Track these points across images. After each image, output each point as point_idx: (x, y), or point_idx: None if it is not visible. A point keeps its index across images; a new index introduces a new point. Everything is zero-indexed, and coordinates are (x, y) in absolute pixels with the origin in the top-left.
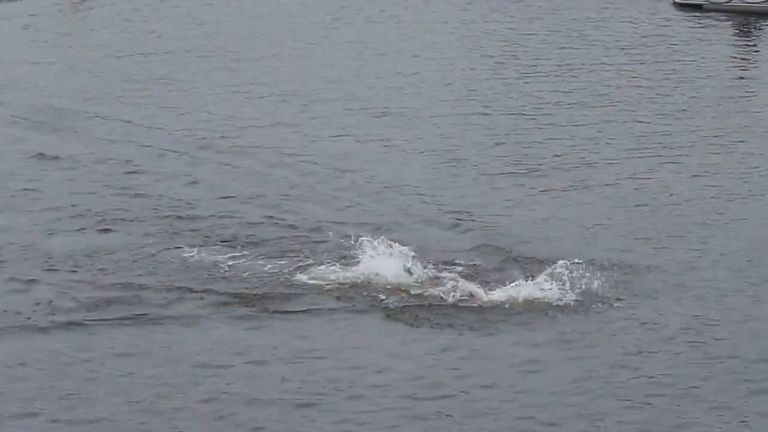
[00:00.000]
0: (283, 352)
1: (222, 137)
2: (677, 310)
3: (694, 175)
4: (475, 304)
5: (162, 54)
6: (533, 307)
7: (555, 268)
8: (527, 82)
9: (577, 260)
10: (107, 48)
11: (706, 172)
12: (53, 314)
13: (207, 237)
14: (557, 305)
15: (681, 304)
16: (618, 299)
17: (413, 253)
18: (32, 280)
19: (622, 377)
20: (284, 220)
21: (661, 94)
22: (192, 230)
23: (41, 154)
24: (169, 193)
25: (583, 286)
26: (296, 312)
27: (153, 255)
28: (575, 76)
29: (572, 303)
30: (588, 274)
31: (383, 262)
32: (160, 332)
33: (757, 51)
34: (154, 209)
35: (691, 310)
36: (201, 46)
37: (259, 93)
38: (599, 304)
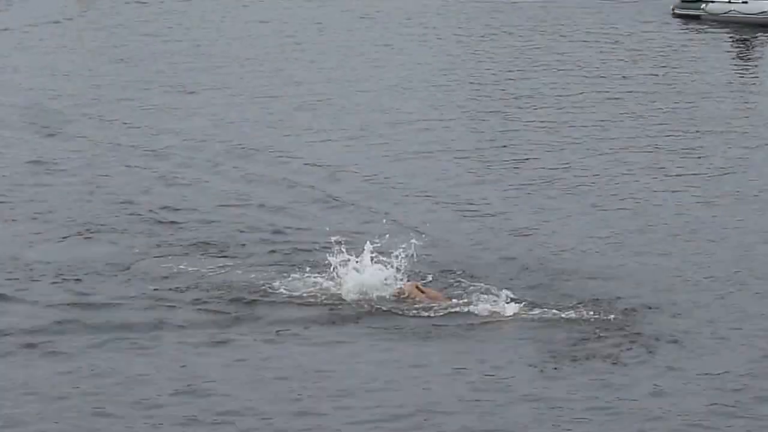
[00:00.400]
0: (276, 366)
1: (214, 142)
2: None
3: (690, 185)
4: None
5: (150, 60)
6: (519, 320)
7: (530, 276)
8: (524, 91)
9: (561, 272)
10: (100, 52)
11: (705, 178)
12: (32, 329)
13: (191, 246)
14: (543, 317)
15: (669, 314)
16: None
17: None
18: (5, 295)
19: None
20: (272, 228)
21: (660, 103)
22: (174, 239)
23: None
24: (155, 200)
25: (569, 298)
26: (281, 323)
27: (140, 264)
28: (575, 85)
29: (556, 316)
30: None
31: (368, 273)
32: (144, 347)
33: (754, 61)
34: (138, 216)
35: (678, 321)
36: (188, 50)
37: (248, 101)
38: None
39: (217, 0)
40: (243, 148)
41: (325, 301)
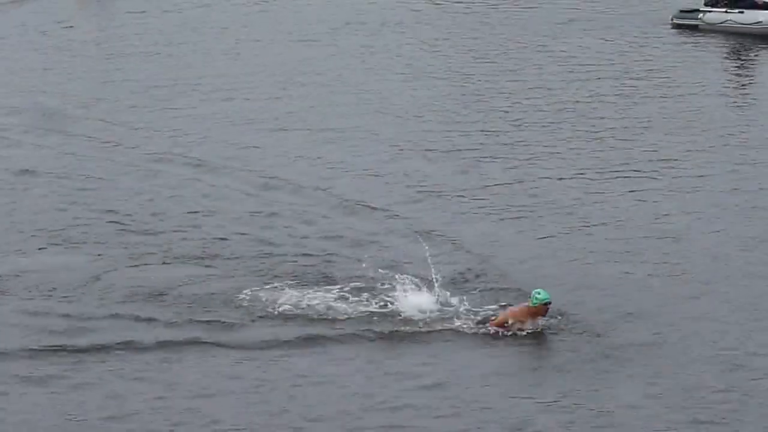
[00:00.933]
0: (281, 381)
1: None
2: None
3: (686, 192)
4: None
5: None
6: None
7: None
8: (522, 102)
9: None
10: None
11: (698, 189)
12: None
13: (178, 256)
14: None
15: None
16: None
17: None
18: None
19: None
20: (267, 239)
21: (657, 112)
22: (156, 248)
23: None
24: (140, 210)
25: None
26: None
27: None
28: (572, 93)
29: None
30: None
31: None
32: (152, 361)
33: (751, 71)
34: (120, 226)
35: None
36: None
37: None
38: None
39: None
40: (230, 164)
41: (343, 320)
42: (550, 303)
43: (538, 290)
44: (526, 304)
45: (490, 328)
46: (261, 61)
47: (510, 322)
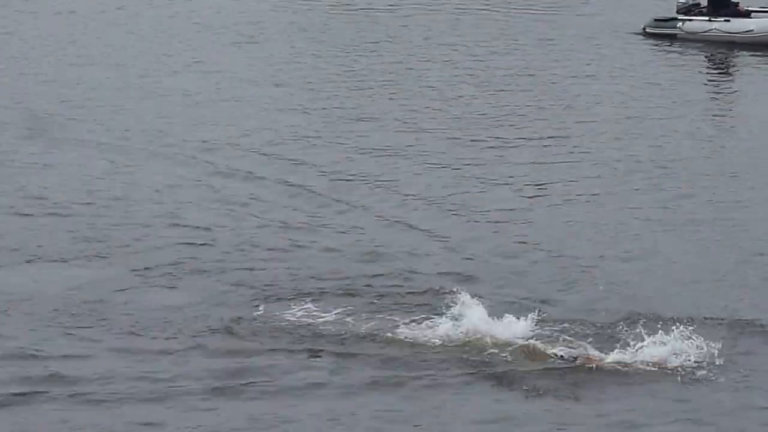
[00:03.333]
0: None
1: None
2: None
3: (666, 206)
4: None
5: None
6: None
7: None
8: (499, 112)
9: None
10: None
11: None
12: None
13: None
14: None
15: None
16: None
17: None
18: None
19: None
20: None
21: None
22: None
23: None
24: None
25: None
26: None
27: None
28: (543, 108)
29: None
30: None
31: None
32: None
33: (734, 81)
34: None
35: None
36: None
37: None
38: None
39: None
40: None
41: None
42: None
43: None
44: None
45: None
46: None
47: None
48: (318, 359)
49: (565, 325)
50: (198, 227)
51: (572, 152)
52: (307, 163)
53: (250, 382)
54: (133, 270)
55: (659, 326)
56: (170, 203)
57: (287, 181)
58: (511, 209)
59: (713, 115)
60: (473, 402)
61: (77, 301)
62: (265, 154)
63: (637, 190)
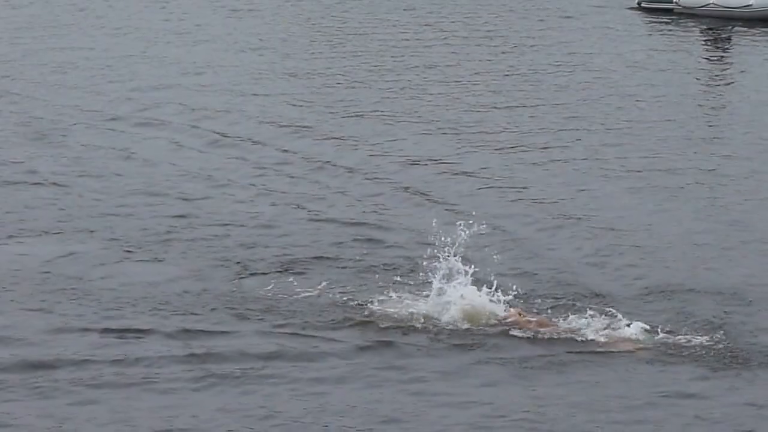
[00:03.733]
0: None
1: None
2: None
3: (661, 186)
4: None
5: None
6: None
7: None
8: (494, 89)
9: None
10: None
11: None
12: None
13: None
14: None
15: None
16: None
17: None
18: None
19: None
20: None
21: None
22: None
23: None
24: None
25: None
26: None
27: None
28: (539, 81)
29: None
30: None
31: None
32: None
33: (730, 56)
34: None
35: None
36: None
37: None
38: None
39: None
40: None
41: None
42: None
43: None
44: None
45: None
46: None
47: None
48: (303, 333)
49: (538, 297)
50: (182, 200)
51: (563, 121)
52: (298, 133)
53: (235, 360)
54: (116, 242)
55: (628, 299)
56: (153, 175)
57: (278, 152)
58: (498, 177)
59: (708, 90)
60: (466, 375)
61: (57, 276)
62: (254, 125)
63: (624, 158)
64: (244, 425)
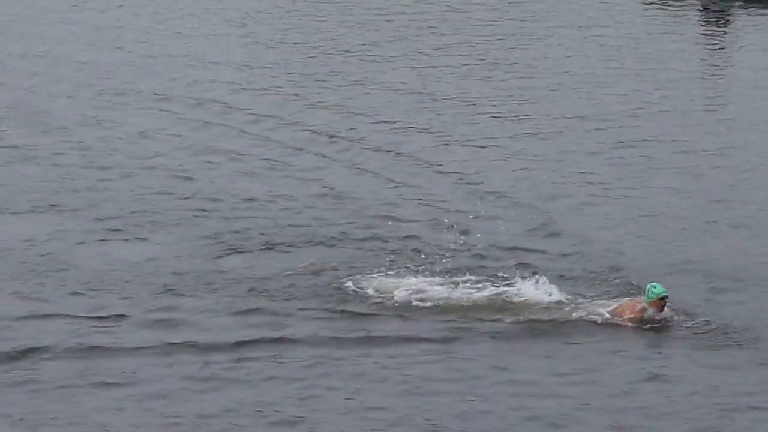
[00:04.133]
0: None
1: None
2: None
3: (657, 168)
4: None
5: None
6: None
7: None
8: (494, 77)
9: None
10: None
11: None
12: None
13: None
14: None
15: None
16: None
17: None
18: None
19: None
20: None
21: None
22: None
23: None
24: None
25: None
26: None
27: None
28: (535, 66)
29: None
30: None
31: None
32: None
33: (727, 35)
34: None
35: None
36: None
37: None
38: None
39: None
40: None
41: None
42: (666, 297)
43: (654, 284)
44: (641, 299)
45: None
46: None
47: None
48: (291, 315)
49: (527, 273)
50: (168, 176)
51: (554, 87)
52: (283, 113)
53: (217, 341)
54: (98, 221)
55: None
56: (137, 152)
57: (263, 131)
58: (498, 157)
59: (705, 68)
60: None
61: (37, 255)
62: (241, 104)
63: (621, 142)
64: (240, 414)
